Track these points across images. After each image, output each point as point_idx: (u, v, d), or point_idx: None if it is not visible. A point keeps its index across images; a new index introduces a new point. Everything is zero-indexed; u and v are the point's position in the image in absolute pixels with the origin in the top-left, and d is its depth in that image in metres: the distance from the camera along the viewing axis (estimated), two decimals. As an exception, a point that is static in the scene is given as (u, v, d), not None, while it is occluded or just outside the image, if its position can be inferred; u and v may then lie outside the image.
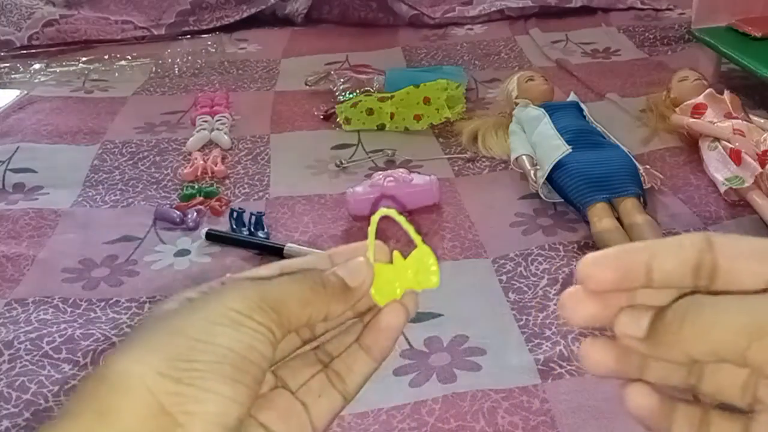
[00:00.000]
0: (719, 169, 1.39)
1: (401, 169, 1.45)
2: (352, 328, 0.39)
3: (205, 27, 2.48)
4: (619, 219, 1.27)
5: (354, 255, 0.39)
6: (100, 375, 0.29)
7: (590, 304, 0.31)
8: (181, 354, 0.30)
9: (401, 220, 0.39)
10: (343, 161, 1.59)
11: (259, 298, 0.33)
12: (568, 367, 1.01)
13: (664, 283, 0.29)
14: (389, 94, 1.76)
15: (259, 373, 0.31)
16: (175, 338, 0.30)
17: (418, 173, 1.45)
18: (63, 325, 1.15)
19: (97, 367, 0.30)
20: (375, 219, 0.40)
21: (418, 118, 1.72)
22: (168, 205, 1.47)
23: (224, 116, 1.81)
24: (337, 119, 1.76)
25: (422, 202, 1.40)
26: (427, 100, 1.72)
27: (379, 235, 0.39)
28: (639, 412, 0.31)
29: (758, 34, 1.76)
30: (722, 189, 1.36)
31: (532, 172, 1.42)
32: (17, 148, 1.71)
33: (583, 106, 1.58)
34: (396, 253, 0.39)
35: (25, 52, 2.34)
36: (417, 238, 0.38)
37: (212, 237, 1.35)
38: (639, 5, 2.43)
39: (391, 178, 1.39)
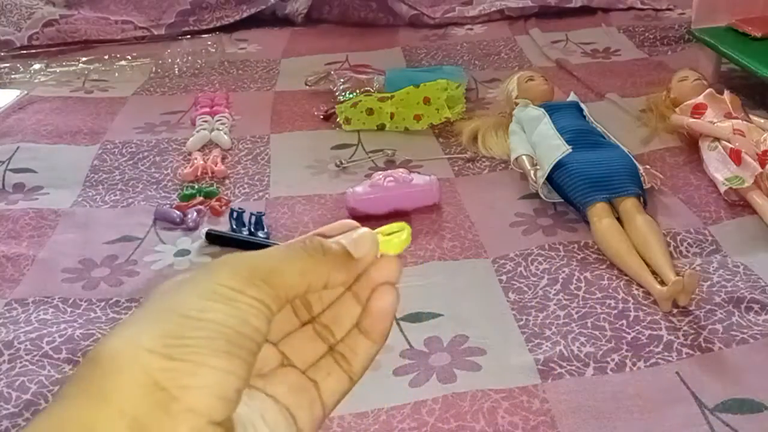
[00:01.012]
0: (719, 169, 1.39)
1: (401, 169, 1.45)
2: (346, 302, 0.39)
3: (205, 27, 2.48)
4: (619, 219, 1.27)
5: (343, 230, 0.38)
6: (91, 358, 0.29)
7: None
8: (172, 331, 0.30)
9: (407, 235, 0.39)
10: (343, 161, 1.59)
11: (250, 273, 0.32)
12: (568, 367, 1.01)
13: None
14: (389, 94, 1.76)
15: (254, 347, 0.31)
16: (165, 316, 0.30)
17: (418, 173, 1.45)
18: (63, 325, 1.15)
19: (90, 351, 0.30)
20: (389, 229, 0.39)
21: (418, 118, 1.72)
22: (168, 205, 1.47)
23: (224, 116, 1.81)
24: (337, 119, 1.76)
25: (422, 202, 1.40)
26: (427, 100, 1.72)
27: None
28: None
29: (758, 34, 1.76)
30: (722, 189, 1.36)
31: (532, 172, 1.42)
32: (17, 148, 1.71)
33: (583, 106, 1.58)
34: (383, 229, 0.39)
35: (25, 52, 2.34)
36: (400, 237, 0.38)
37: (212, 237, 1.35)
38: (639, 5, 2.43)
39: (391, 178, 1.39)
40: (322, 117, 1.81)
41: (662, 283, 1.12)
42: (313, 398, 0.37)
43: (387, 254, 0.38)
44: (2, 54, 2.32)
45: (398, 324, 1.12)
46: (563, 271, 1.20)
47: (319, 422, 0.37)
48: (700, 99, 1.54)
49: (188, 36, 2.45)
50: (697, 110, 1.53)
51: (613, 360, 1.02)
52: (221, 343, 0.30)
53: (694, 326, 1.07)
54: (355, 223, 0.38)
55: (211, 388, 0.29)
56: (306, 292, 0.35)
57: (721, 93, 1.55)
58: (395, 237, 0.38)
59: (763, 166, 1.32)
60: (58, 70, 2.20)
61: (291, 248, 0.35)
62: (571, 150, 1.38)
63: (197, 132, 1.74)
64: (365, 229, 0.37)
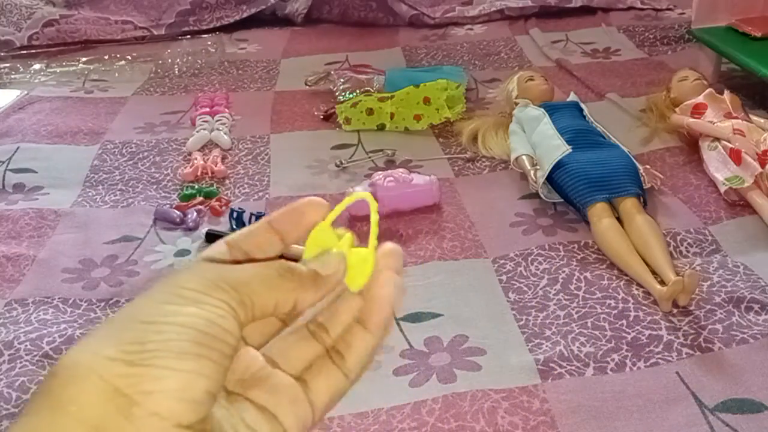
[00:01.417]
0: (719, 169, 1.39)
1: (401, 169, 1.45)
2: (344, 298, 0.38)
3: (205, 27, 2.48)
4: (619, 219, 1.27)
5: (294, 217, 0.37)
6: (52, 371, 0.29)
7: None
8: (131, 338, 0.29)
9: (373, 208, 0.38)
10: (343, 161, 1.59)
11: (216, 277, 0.32)
12: (568, 367, 1.01)
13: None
14: (389, 94, 1.76)
15: (225, 348, 0.30)
16: (125, 324, 0.30)
17: (418, 173, 1.45)
18: (63, 325, 1.15)
19: (52, 366, 0.29)
20: (348, 200, 0.39)
21: (418, 118, 1.72)
22: (168, 205, 1.47)
23: (224, 116, 1.81)
24: (337, 119, 1.76)
25: (422, 202, 1.40)
26: (427, 100, 1.72)
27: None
28: None
29: (758, 34, 1.75)
30: (722, 189, 1.36)
31: (532, 172, 1.42)
32: (17, 148, 1.71)
33: (583, 106, 1.58)
34: (350, 236, 0.37)
35: (25, 52, 2.34)
36: (372, 237, 0.37)
37: (212, 237, 1.35)
38: (639, 5, 2.43)
39: (391, 178, 1.39)
40: (322, 117, 1.81)
41: (662, 283, 1.12)
42: (296, 397, 0.35)
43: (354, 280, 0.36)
44: (2, 54, 2.33)
45: (398, 324, 1.12)
46: (563, 271, 1.20)
47: (308, 422, 0.36)
48: (700, 99, 1.54)
49: (188, 36, 2.45)
50: (697, 110, 1.53)
51: (613, 360, 1.02)
52: (186, 344, 0.29)
53: (694, 326, 1.07)
54: (301, 207, 0.37)
55: (175, 392, 0.28)
56: (274, 310, 0.34)
57: (721, 93, 1.55)
58: (357, 268, 0.36)
59: (763, 166, 1.32)
60: (58, 70, 2.20)
61: (258, 266, 0.34)
62: (571, 150, 1.38)
63: (197, 132, 1.74)
64: (334, 251, 0.37)
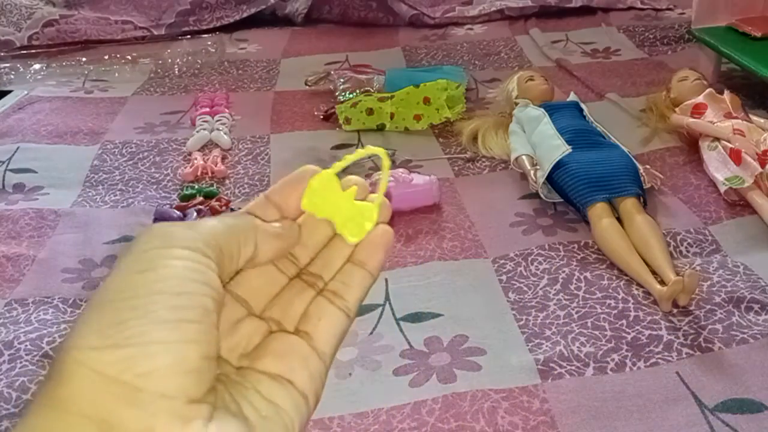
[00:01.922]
0: (719, 169, 1.39)
1: (401, 169, 1.45)
2: (335, 245, 0.38)
3: (205, 27, 2.48)
4: (619, 219, 1.27)
5: (290, 189, 0.37)
6: (47, 374, 0.28)
7: None
8: (110, 320, 0.27)
9: (385, 165, 0.38)
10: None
11: (170, 227, 0.30)
12: (568, 367, 1.01)
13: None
14: (389, 94, 1.76)
15: (208, 302, 0.28)
16: (102, 307, 0.28)
17: (418, 173, 1.45)
18: (63, 325, 1.15)
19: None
20: (361, 153, 0.39)
21: (418, 118, 1.72)
22: (168, 205, 1.47)
23: (224, 116, 1.81)
24: (337, 119, 1.76)
25: (422, 202, 1.40)
26: (427, 100, 1.72)
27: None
28: None
29: (758, 34, 1.75)
30: (722, 189, 1.36)
31: (532, 172, 1.42)
32: (17, 148, 1.71)
33: (583, 106, 1.58)
34: (354, 188, 0.37)
35: (25, 52, 2.34)
36: (381, 193, 0.37)
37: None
38: (639, 5, 2.44)
39: (391, 178, 1.39)
40: (322, 117, 1.81)
41: (662, 283, 1.12)
42: (306, 354, 0.34)
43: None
44: (2, 54, 2.33)
45: (398, 324, 1.12)
46: (563, 271, 1.20)
47: (322, 375, 0.34)
48: (700, 99, 1.54)
49: (188, 36, 2.45)
50: (697, 110, 1.53)
51: (613, 360, 1.02)
52: (163, 312, 0.27)
53: (694, 326, 1.07)
54: (296, 179, 0.37)
55: (170, 366, 0.27)
56: (236, 251, 0.32)
57: (721, 93, 1.55)
58: (357, 220, 0.37)
59: (763, 166, 1.32)
60: (58, 70, 2.20)
61: (215, 217, 0.33)
62: (571, 150, 1.38)
63: (197, 132, 1.74)
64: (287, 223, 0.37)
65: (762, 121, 1.49)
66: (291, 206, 0.36)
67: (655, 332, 1.06)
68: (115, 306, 0.28)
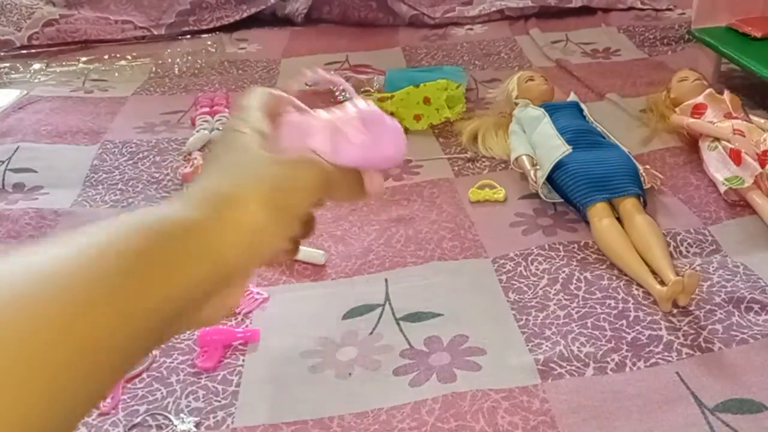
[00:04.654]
0: (719, 169, 1.39)
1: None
2: None
3: (205, 27, 2.48)
4: (619, 219, 1.27)
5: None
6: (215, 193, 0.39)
7: None
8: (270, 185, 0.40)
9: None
10: None
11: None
12: (568, 367, 1.01)
13: None
14: (389, 94, 1.76)
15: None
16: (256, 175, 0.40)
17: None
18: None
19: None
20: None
21: (418, 118, 1.72)
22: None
23: (224, 116, 1.81)
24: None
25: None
26: (427, 100, 1.72)
27: None
28: None
29: (758, 34, 1.75)
30: (722, 189, 1.36)
31: (532, 172, 1.42)
32: (17, 148, 1.71)
33: (583, 106, 1.58)
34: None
35: (25, 52, 2.34)
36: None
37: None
38: (639, 5, 2.44)
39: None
40: (322, 117, 1.81)
41: (662, 283, 1.12)
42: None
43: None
44: (2, 54, 2.33)
45: (398, 324, 1.12)
46: (563, 271, 1.20)
47: None
48: (700, 99, 1.54)
49: (188, 36, 2.45)
50: (697, 110, 1.53)
51: (613, 360, 1.02)
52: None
53: (694, 326, 1.07)
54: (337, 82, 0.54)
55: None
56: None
57: (721, 93, 1.55)
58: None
59: (763, 166, 1.32)
60: (58, 70, 2.20)
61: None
62: (571, 150, 1.38)
63: (197, 132, 1.74)
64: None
65: (762, 121, 1.49)
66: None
67: (655, 332, 1.06)
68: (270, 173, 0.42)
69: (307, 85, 1.98)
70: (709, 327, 1.06)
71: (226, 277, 0.37)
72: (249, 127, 0.43)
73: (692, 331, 1.06)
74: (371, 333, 1.11)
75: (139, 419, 0.98)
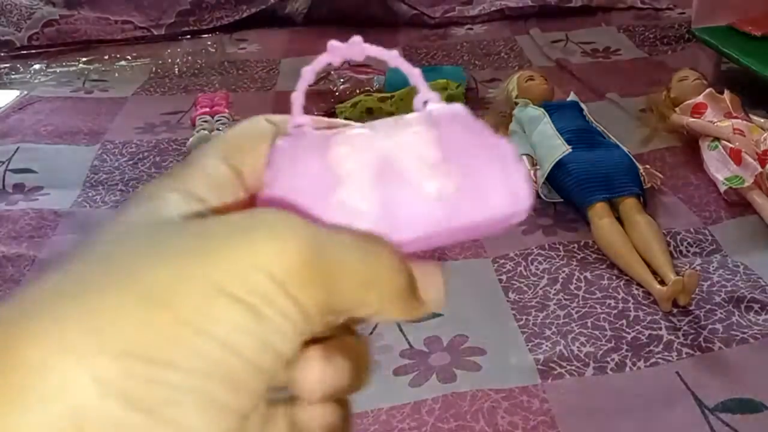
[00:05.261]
0: (719, 169, 1.39)
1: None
2: None
3: (205, 27, 2.48)
4: (619, 219, 1.27)
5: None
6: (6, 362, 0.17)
7: None
8: (141, 348, 0.17)
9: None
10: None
11: (311, 256, 0.19)
12: (568, 367, 1.01)
13: None
14: (389, 94, 1.76)
15: (261, 386, 0.19)
16: (130, 309, 0.18)
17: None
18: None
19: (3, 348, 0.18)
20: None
21: (418, 118, 1.72)
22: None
23: (224, 116, 1.81)
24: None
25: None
26: (427, 100, 1.72)
27: None
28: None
29: (758, 34, 1.75)
30: (722, 189, 1.36)
31: (532, 172, 1.42)
32: (17, 149, 1.71)
33: (582, 105, 1.58)
34: None
35: (25, 52, 2.34)
36: None
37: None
38: (639, 5, 2.44)
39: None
40: (322, 117, 1.81)
41: (662, 282, 1.12)
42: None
43: None
44: (2, 54, 2.32)
45: (398, 324, 1.12)
46: (563, 271, 1.20)
47: None
48: (700, 99, 1.54)
49: (188, 36, 2.45)
50: (697, 110, 1.53)
51: (613, 360, 1.02)
52: (214, 386, 0.18)
53: (694, 326, 1.07)
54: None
55: None
56: (352, 310, 0.21)
57: (721, 93, 1.55)
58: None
59: (763, 165, 1.32)
60: (58, 70, 2.20)
61: (366, 243, 0.21)
62: (571, 150, 1.38)
63: (197, 132, 1.74)
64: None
65: (762, 121, 1.49)
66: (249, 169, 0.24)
67: (655, 332, 1.06)
68: (167, 331, 0.17)
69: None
70: (709, 327, 1.06)
71: None
72: (178, 189, 0.22)
73: (692, 331, 1.06)
74: (371, 333, 1.11)
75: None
